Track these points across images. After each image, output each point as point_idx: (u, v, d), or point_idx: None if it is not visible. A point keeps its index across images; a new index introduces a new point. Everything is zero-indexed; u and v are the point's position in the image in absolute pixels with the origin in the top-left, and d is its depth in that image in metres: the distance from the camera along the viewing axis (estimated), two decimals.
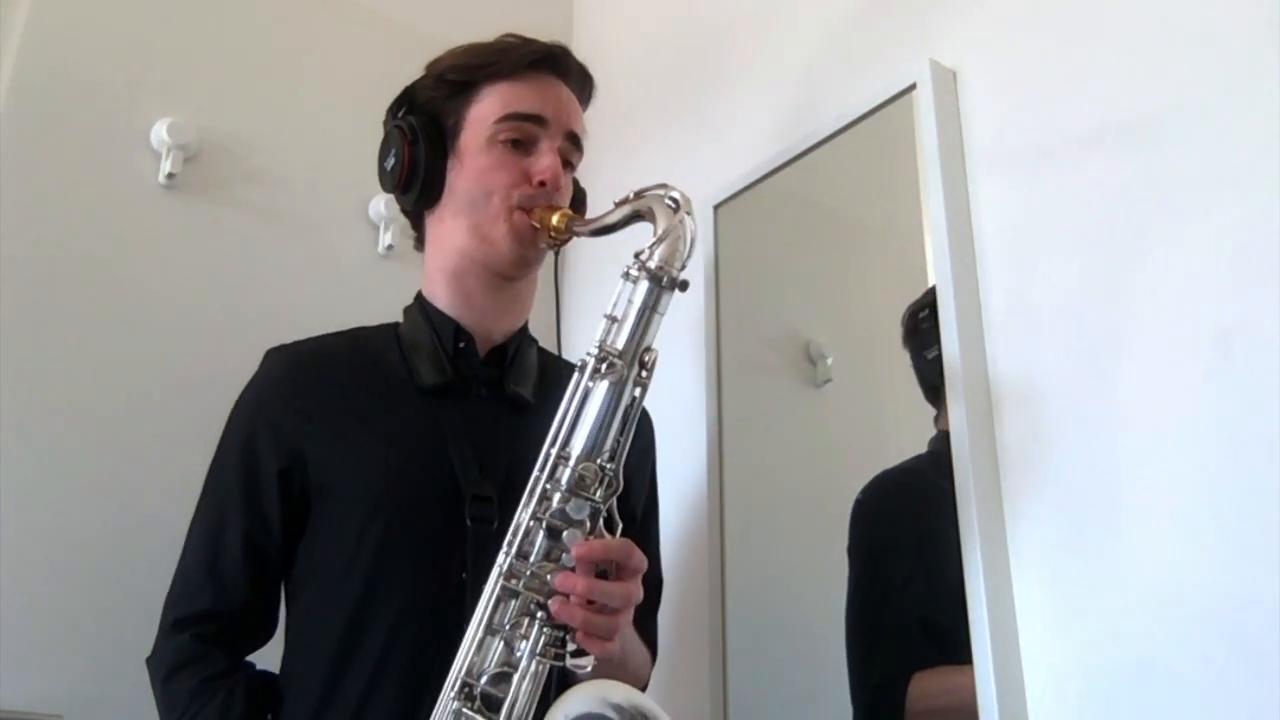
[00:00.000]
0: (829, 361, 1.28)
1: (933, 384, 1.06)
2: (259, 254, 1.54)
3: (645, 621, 1.06)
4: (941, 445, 1.02)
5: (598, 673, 0.83)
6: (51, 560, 1.26)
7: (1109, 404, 0.93)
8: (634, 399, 0.86)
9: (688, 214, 0.89)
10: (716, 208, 1.45)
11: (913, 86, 1.16)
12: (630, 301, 0.87)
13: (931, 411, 1.08)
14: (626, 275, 0.87)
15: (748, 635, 1.25)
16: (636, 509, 1.09)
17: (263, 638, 1.00)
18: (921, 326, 1.08)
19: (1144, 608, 0.86)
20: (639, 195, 0.91)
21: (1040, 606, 0.94)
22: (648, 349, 0.86)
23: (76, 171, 1.41)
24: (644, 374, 0.86)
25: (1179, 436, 0.87)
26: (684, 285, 0.87)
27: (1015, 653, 0.93)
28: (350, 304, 1.57)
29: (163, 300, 1.43)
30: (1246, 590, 0.80)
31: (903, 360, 1.13)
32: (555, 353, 1.14)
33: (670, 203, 0.89)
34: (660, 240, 0.87)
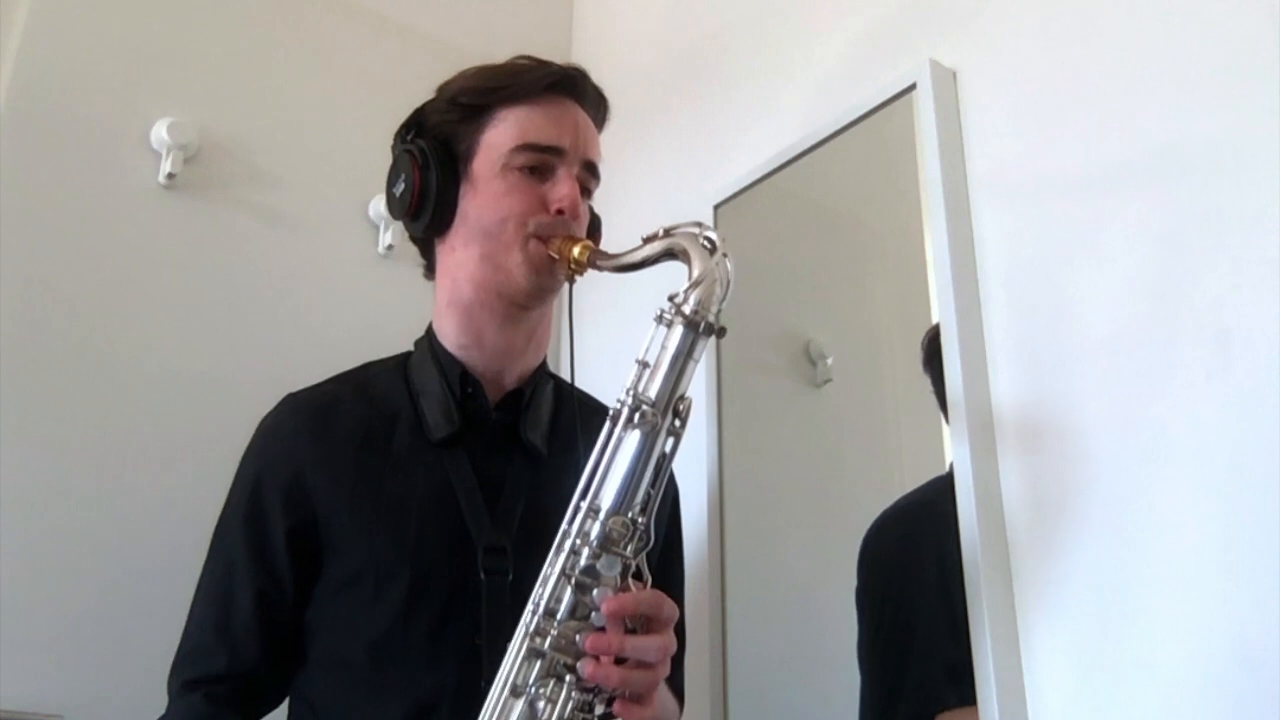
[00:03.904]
0: (829, 361, 1.28)
1: None
2: (259, 254, 1.54)
3: (673, 668, 1.02)
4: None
5: None
6: (51, 560, 1.26)
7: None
8: (667, 449, 0.82)
9: (725, 255, 0.84)
10: (716, 208, 1.45)
11: (913, 86, 1.16)
12: (664, 347, 0.82)
13: (947, 433, 1.05)
14: (660, 319, 0.83)
15: (748, 634, 1.25)
16: (654, 558, 1.06)
17: (275, 700, 0.97)
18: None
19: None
20: (669, 233, 0.86)
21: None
22: (681, 397, 0.82)
23: (76, 171, 1.41)
24: (678, 424, 0.82)
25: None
26: (721, 332, 0.82)
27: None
28: (350, 304, 1.58)
29: (162, 300, 1.43)
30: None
31: (903, 360, 1.13)
32: (570, 381, 1.10)
33: (706, 243, 0.85)
34: (696, 284, 0.82)
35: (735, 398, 1.36)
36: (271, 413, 1.02)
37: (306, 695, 0.95)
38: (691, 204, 1.51)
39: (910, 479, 1.14)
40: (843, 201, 1.33)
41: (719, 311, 0.83)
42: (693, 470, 1.37)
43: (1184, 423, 0.87)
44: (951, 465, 1.02)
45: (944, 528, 1.00)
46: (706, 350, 1.30)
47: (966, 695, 0.95)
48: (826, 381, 1.28)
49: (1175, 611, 0.84)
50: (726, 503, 1.32)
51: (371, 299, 1.60)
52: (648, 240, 0.87)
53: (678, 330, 0.82)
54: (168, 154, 1.45)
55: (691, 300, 0.82)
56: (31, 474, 1.28)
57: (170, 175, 1.45)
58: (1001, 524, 0.99)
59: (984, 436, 1.01)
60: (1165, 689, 0.84)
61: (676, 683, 1.04)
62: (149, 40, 1.52)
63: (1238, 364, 0.84)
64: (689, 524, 1.35)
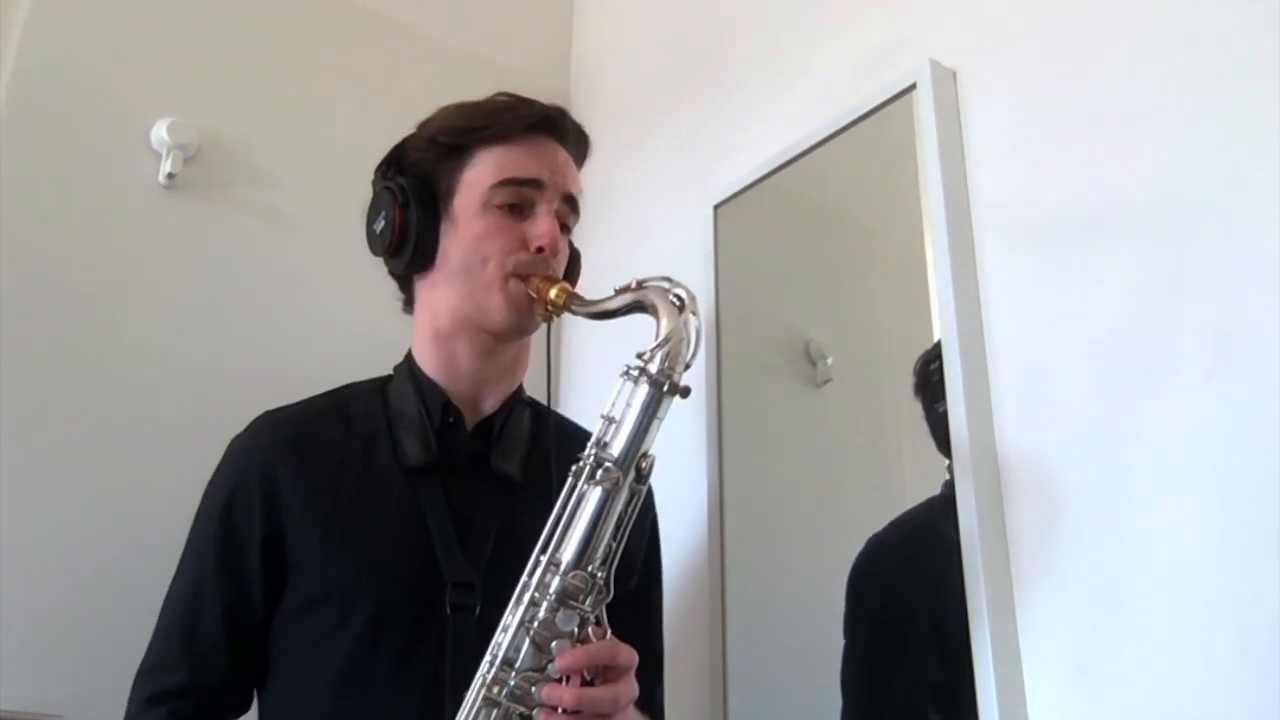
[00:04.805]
0: (829, 361, 1.28)
1: (945, 437, 1.03)
2: (259, 254, 1.54)
3: (650, 695, 1.02)
4: (951, 490, 1.00)
5: None
6: (51, 560, 1.26)
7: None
8: (627, 505, 0.84)
9: (693, 314, 0.86)
10: (716, 208, 1.45)
11: (913, 86, 1.16)
12: (629, 405, 0.84)
13: (943, 461, 1.04)
14: (627, 374, 0.84)
15: (748, 634, 1.25)
16: (631, 580, 1.04)
17: (240, 710, 0.97)
18: (933, 379, 1.06)
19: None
20: (641, 285, 0.88)
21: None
22: (644, 455, 0.83)
23: (76, 171, 1.41)
24: (639, 484, 0.84)
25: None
26: (685, 392, 0.83)
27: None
28: (350, 304, 1.58)
29: (162, 300, 1.43)
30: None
31: (904, 360, 1.13)
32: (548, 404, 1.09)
33: (675, 300, 0.86)
34: (663, 343, 0.84)
35: (735, 397, 1.36)
36: (246, 429, 1.02)
37: (268, 717, 0.95)
38: (691, 204, 1.51)
39: (910, 479, 1.14)
40: (843, 202, 1.33)
41: (686, 368, 0.84)
42: (693, 470, 1.37)
43: (1186, 429, 0.86)
44: (945, 484, 1.01)
45: (939, 548, 0.99)
46: (706, 350, 1.30)
47: (953, 716, 0.94)
48: (826, 381, 1.28)
49: (1179, 625, 0.84)
50: (726, 502, 1.32)
51: (371, 299, 1.60)
52: (620, 291, 0.89)
53: (643, 389, 0.83)
54: (168, 154, 1.45)
55: (658, 359, 0.83)
56: (31, 474, 1.28)
57: (170, 175, 1.45)
58: (1004, 542, 0.98)
59: (986, 457, 1.01)
60: (1169, 707, 0.83)
61: (655, 706, 1.04)
62: (149, 40, 1.52)
63: (1237, 366, 0.84)
64: (689, 524, 1.35)
